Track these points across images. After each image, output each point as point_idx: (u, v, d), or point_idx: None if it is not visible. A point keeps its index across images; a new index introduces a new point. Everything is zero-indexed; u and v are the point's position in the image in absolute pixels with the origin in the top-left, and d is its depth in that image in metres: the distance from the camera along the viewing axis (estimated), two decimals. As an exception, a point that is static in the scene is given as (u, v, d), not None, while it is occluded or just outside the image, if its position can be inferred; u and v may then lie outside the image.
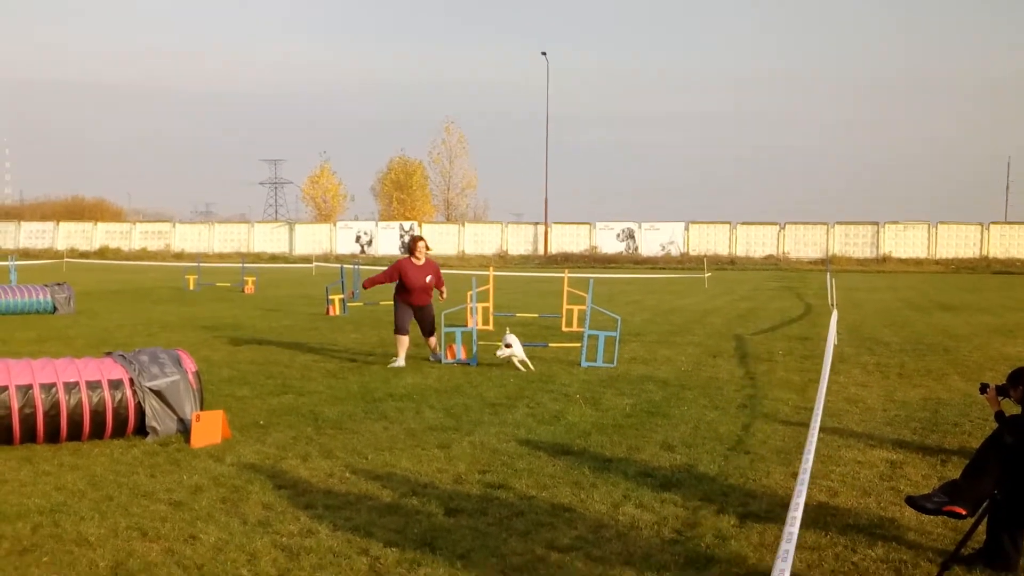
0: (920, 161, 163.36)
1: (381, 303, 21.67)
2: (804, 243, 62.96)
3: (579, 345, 13.34)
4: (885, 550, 5.26)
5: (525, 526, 5.63)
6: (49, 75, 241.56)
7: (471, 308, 14.39)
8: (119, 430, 7.79)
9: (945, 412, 9.47)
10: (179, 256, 66.57)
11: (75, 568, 4.87)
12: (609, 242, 65.65)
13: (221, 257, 65.29)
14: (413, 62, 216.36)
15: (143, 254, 68.95)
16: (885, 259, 60.23)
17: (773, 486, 6.59)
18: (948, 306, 25.15)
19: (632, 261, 62.10)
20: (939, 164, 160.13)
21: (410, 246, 12.76)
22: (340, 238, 70.01)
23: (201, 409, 8.12)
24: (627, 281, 39.72)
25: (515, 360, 11.94)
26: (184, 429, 7.90)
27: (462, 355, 12.77)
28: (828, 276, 27.63)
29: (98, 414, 7.62)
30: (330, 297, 21.41)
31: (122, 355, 8.19)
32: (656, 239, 64.84)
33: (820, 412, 6.75)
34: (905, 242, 61.48)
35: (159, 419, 7.86)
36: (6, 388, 7.33)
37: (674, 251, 64.02)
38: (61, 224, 74.52)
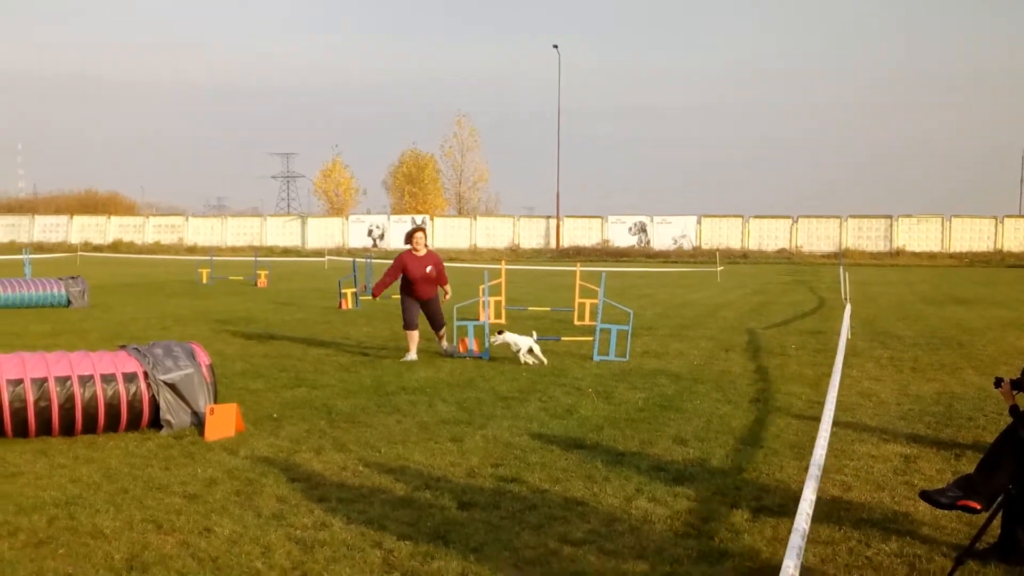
0: (934, 154, 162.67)
1: (393, 296, 21.69)
2: (817, 237, 62.78)
3: (591, 339, 13.34)
4: (899, 544, 5.24)
5: (538, 520, 5.64)
6: (62, 70, 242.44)
7: (483, 302, 14.40)
8: (133, 423, 7.83)
9: (959, 406, 9.44)
10: (192, 250, 66.80)
11: (91, 560, 4.90)
12: (621, 236, 65.58)
13: (234, 251, 65.46)
14: (425, 55, 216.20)
15: (156, 248, 69.22)
16: (899, 252, 60.01)
17: (787, 480, 6.58)
18: (962, 300, 25.04)
19: (644, 255, 62.03)
20: (953, 157, 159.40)
21: (408, 238, 12.69)
22: (352, 231, 70.14)
23: (215, 402, 8.15)
24: (639, 275, 39.68)
25: (524, 356, 11.88)
26: (198, 422, 7.93)
27: (474, 349, 12.78)
28: (841, 270, 27.54)
29: (112, 407, 7.66)
30: (342, 291, 21.46)
31: (136, 348, 8.22)
32: (668, 233, 64.75)
33: (832, 406, 6.74)
34: (919, 235, 61.24)
35: (173, 412, 7.89)
36: (21, 381, 7.38)
37: (686, 245, 63.92)
38: (75, 218, 74.84)
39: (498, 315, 17.43)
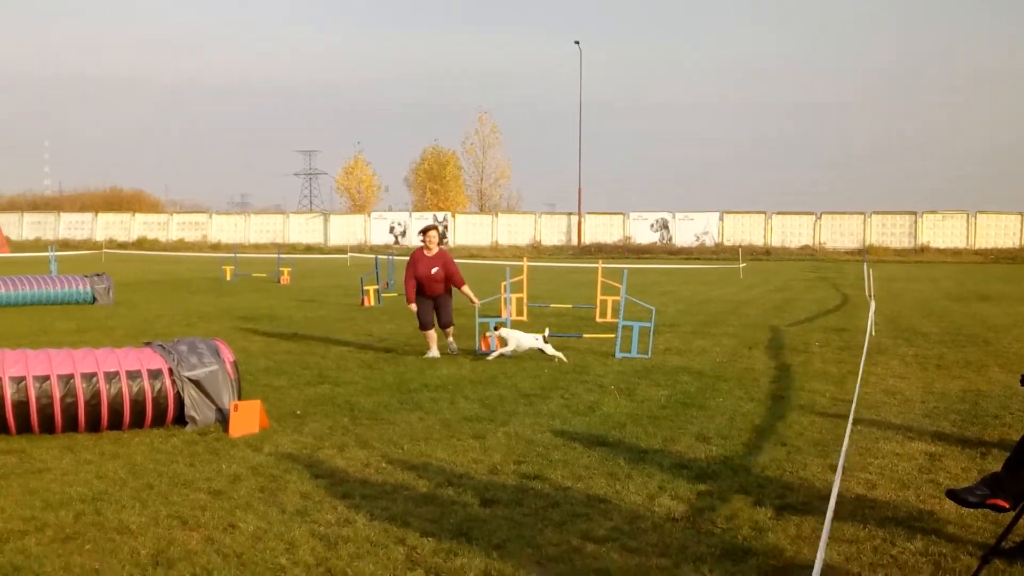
0: (958, 150, 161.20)
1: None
2: (841, 233, 62.37)
3: (613, 336, 13.31)
4: (924, 543, 5.21)
5: (561, 517, 5.64)
6: (87, 69, 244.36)
7: (505, 299, 14.41)
8: (159, 419, 7.89)
9: (985, 404, 9.36)
10: (216, 247, 67.11)
11: (117, 556, 4.94)
12: (643, 232, 65.41)
13: (257, 248, 65.77)
14: (448, 52, 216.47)
15: (180, 245, 69.62)
16: (923, 249, 59.53)
17: (810, 478, 6.55)
18: (987, 296, 24.83)
19: (666, 251, 61.85)
20: (978, 153, 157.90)
21: (421, 236, 12.58)
22: (374, 229, 70.30)
23: (239, 399, 8.20)
24: (661, 272, 39.58)
25: (548, 352, 11.89)
26: (222, 419, 7.98)
27: (496, 346, 12.77)
28: (865, 266, 27.37)
29: (138, 403, 7.72)
30: (365, 288, 21.51)
31: (161, 345, 8.29)
32: (690, 229, 64.52)
33: (855, 404, 6.70)
34: (943, 232, 60.71)
35: (198, 409, 7.95)
36: (48, 378, 7.45)
37: (708, 241, 63.67)
38: (100, 215, 75.42)
39: (520, 312, 17.43)
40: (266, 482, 6.36)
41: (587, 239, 65.65)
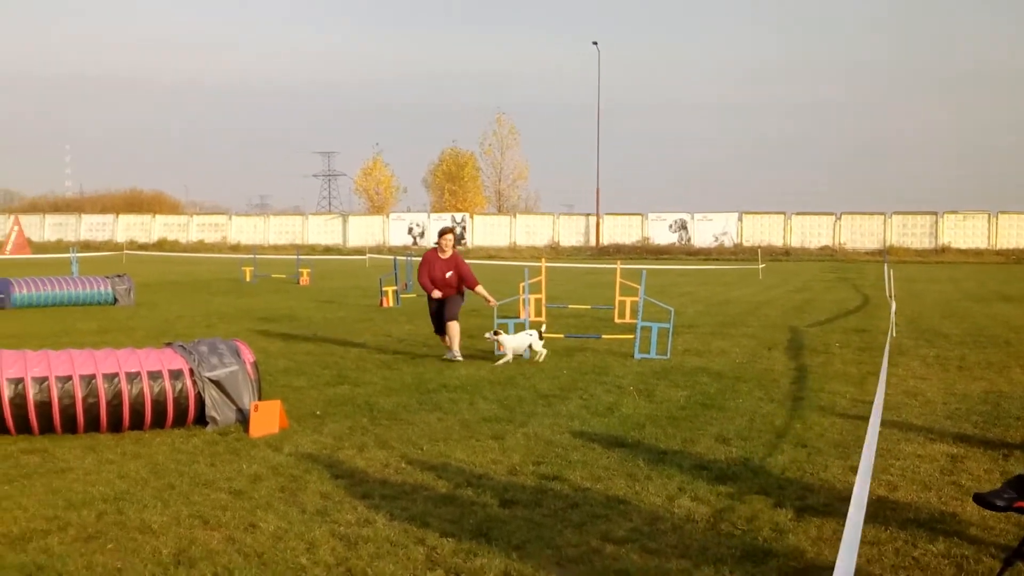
0: (980, 150, 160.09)
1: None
2: (861, 233, 62.01)
3: (632, 337, 13.29)
4: (946, 545, 5.18)
5: (580, 518, 5.64)
6: (108, 72, 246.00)
7: (523, 300, 14.41)
8: (180, 419, 7.93)
9: (1007, 405, 9.29)
10: (235, 248, 67.41)
11: (139, 555, 4.97)
12: (661, 233, 65.27)
13: (276, 249, 66.05)
14: (465, 53, 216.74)
15: (200, 246, 69.96)
16: (944, 250, 59.11)
17: (831, 480, 6.52)
18: (1009, 297, 24.64)
19: (685, 252, 61.68)
20: (999, 153, 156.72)
21: (438, 236, 12.48)
22: (393, 230, 70.45)
23: (259, 399, 8.23)
24: (680, 272, 39.48)
25: (507, 358, 11.83)
26: (243, 419, 8.02)
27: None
28: (886, 267, 27.20)
29: (159, 403, 7.77)
30: (383, 289, 21.56)
31: (182, 346, 8.33)
32: (709, 230, 64.32)
33: (881, 405, 6.66)
34: (965, 232, 60.26)
35: (218, 409, 7.99)
36: (70, 378, 7.50)
37: (727, 242, 63.43)
38: (120, 217, 75.90)
39: (538, 313, 17.42)
40: (286, 482, 6.39)
41: (605, 240, 65.56)
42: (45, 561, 4.86)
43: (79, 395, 7.50)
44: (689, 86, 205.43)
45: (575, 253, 63.06)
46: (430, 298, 12.39)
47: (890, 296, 19.39)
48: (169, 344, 8.58)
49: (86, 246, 64.71)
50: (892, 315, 14.83)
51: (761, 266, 38.67)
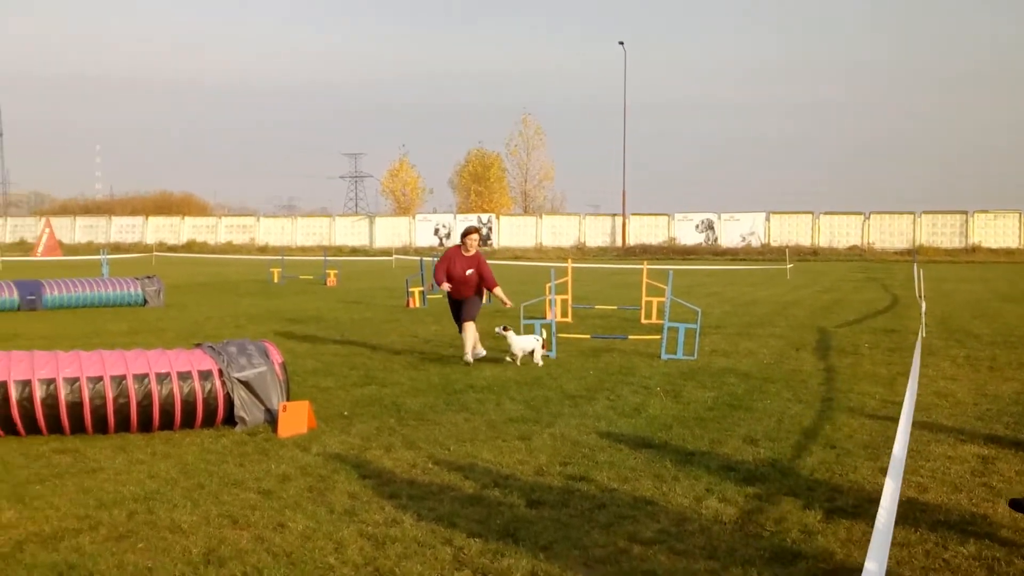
0: (1010, 148, 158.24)
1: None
2: (890, 233, 61.47)
3: (659, 337, 13.26)
4: (977, 547, 5.13)
5: (607, 518, 5.63)
6: (138, 74, 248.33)
7: (550, 300, 14.40)
8: (209, 420, 7.99)
9: (1040, 407, 9.18)
10: (263, 249, 67.89)
11: (169, 554, 5.02)
12: (688, 233, 65.02)
13: (303, 250, 66.41)
14: (491, 53, 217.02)
15: (228, 247, 70.45)
16: (974, 249, 58.46)
17: (860, 481, 6.47)
18: (1042, 297, 24.34)
19: (712, 252, 61.39)
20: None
21: (462, 235, 12.41)
22: (419, 231, 70.64)
23: (288, 400, 8.28)
24: (707, 273, 39.32)
25: (514, 358, 11.77)
26: (271, 419, 8.07)
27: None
28: (915, 267, 26.97)
29: (189, 404, 7.83)
30: (410, 289, 21.62)
31: (211, 346, 8.39)
32: (736, 230, 63.99)
33: (912, 405, 6.61)
34: (995, 232, 59.58)
35: (247, 409, 8.04)
36: (101, 378, 7.58)
37: (755, 242, 63.08)
38: (150, 219, 76.58)
39: (564, 313, 17.42)
40: (314, 482, 6.42)
41: (631, 240, 65.40)
42: (77, 560, 4.91)
43: (110, 395, 7.58)
44: (717, 86, 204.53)
45: (601, 254, 62.95)
46: (451, 300, 12.39)
47: (920, 296, 19.25)
48: (199, 345, 8.65)
49: (116, 248, 65.31)
50: (922, 315, 14.69)
51: (789, 266, 38.44)
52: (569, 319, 17.29)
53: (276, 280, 31.10)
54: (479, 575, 4.76)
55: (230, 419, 8.05)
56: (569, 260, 21.17)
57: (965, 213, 60.54)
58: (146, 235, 74.28)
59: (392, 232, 71.14)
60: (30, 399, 7.44)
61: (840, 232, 62.53)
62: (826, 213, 63.44)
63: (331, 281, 29.98)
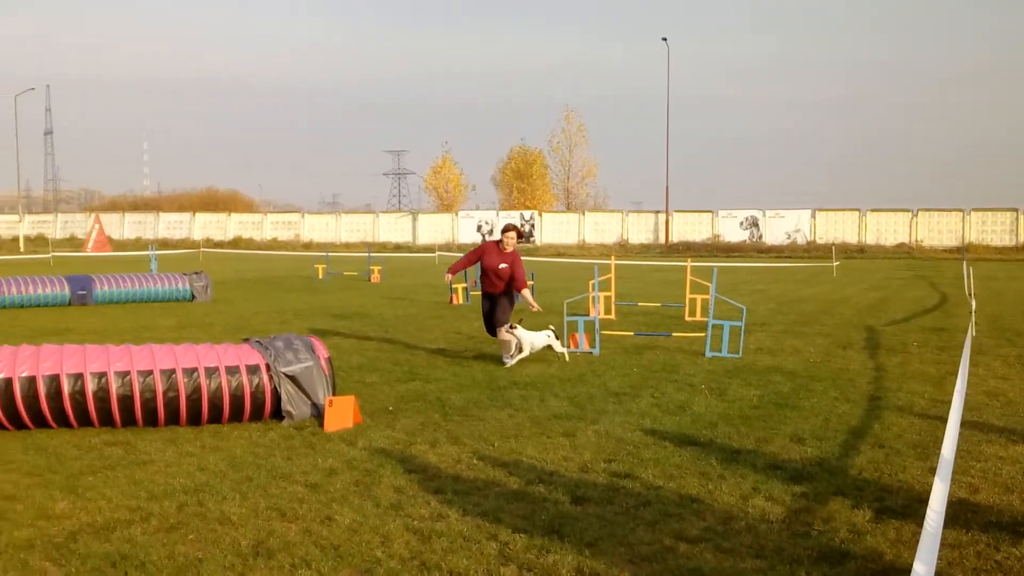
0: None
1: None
2: (938, 231, 60.47)
3: (703, 335, 13.18)
4: (1031, 550, 5.04)
5: (652, 516, 5.62)
6: (183, 75, 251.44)
7: (593, 297, 14.38)
8: (256, 414, 8.08)
9: (1095, 407, 9.00)
10: (308, 246, 68.35)
11: (219, 546, 5.09)
12: (732, 230, 64.43)
13: (347, 247, 66.75)
14: (534, 50, 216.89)
15: (274, 244, 71.04)
16: (1026, 247, 57.34)
17: (910, 481, 6.39)
18: (1096, 296, 23.84)
19: (756, 250, 60.79)
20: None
21: (502, 232, 12.25)
22: (462, 227, 70.73)
23: (333, 394, 8.35)
24: (751, 270, 38.99)
25: (519, 355, 11.57)
26: (317, 414, 8.14)
27: (585, 345, 12.75)
28: (964, 265, 26.55)
29: (237, 398, 7.92)
30: (453, 286, 21.67)
31: (259, 341, 8.49)
32: (781, 227, 63.30)
33: (961, 405, 6.51)
34: (1048, 229, 58.36)
35: (294, 403, 8.12)
36: (151, 372, 7.70)
37: (800, 239, 62.39)
38: (197, 215, 77.40)
39: (608, 310, 17.38)
40: (361, 476, 6.47)
41: (675, 237, 64.98)
42: (129, 550, 4.99)
43: (160, 389, 7.69)
44: (762, 83, 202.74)
45: (644, 251, 62.64)
46: (484, 298, 12.32)
47: (970, 294, 18.95)
48: (246, 340, 8.76)
49: (164, 244, 66.21)
50: (972, 313, 14.46)
51: (835, 264, 38.00)
52: (612, 316, 17.24)
53: (321, 276, 31.33)
54: (525, 570, 4.77)
55: (277, 413, 8.13)
56: (612, 257, 21.10)
57: (1016, 210, 59.36)
58: (193, 231, 75.12)
59: (435, 229, 71.31)
60: (82, 392, 7.58)
61: (887, 229, 61.64)
62: (873, 210, 62.60)
63: (375, 277, 30.14)
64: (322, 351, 8.52)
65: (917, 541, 4.84)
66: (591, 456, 7.06)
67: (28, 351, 7.77)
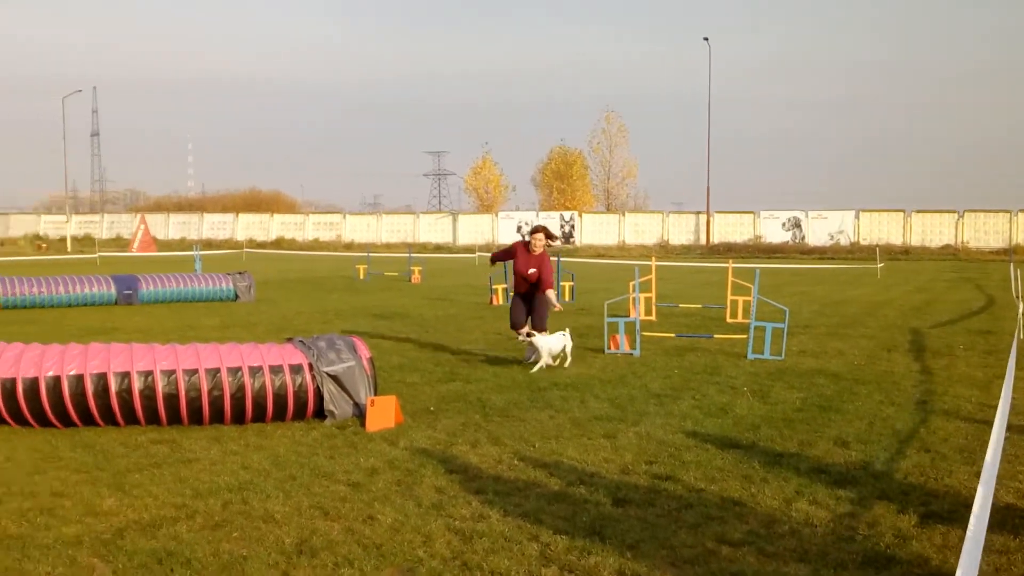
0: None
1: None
2: (985, 232, 59.50)
3: (745, 337, 13.09)
4: (1082, 557, 4.95)
5: (694, 519, 5.59)
6: (225, 76, 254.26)
7: (634, 298, 14.33)
8: (299, 413, 8.16)
9: None
10: (349, 246, 68.76)
11: (263, 544, 5.14)
12: (774, 231, 63.89)
13: (388, 247, 67.09)
14: (576, 49, 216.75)
15: (316, 244, 71.58)
16: (1076, 249, 56.26)
17: (956, 486, 6.30)
18: None
19: (799, 251, 60.22)
20: None
21: (530, 232, 12.15)
22: (501, 228, 70.78)
23: (375, 394, 8.40)
24: (793, 271, 38.65)
25: (545, 361, 11.30)
26: (359, 413, 8.19)
27: (625, 346, 12.72)
28: (1012, 267, 26.12)
29: (280, 397, 8.00)
30: (493, 287, 21.71)
31: (302, 341, 8.56)
32: (824, 228, 62.65)
33: (1007, 409, 6.42)
34: (1099, 230, 57.22)
35: (336, 403, 8.18)
36: (196, 371, 7.80)
37: (843, 240, 61.71)
38: (240, 216, 78.22)
39: (648, 312, 17.31)
40: (402, 476, 6.51)
41: (716, 239, 64.56)
42: (174, 547, 5.06)
43: (205, 388, 7.79)
44: (803, 82, 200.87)
45: (685, 252, 62.31)
46: (517, 294, 12.20)
47: (1017, 297, 18.63)
48: (290, 339, 8.84)
49: (208, 244, 66.93)
50: (1020, 316, 14.22)
51: (880, 265, 37.56)
52: (653, 317, 17.17)
53: (362, 276, 31.52)
54: (566, 572, 4.77)
55: (320, 412, 8.20)
56: (653, 258, 21.03)
57: (1066, 211, 58.31)
58: (236, 232, 75.92)
59: (475, 229, 71.45)
60: (129, 390, 7.69)
61: (932, 231, 60.78)
62: (918, 211, 61.76)
63: (415, 278, 30.27)
64: (364, 351, 8.57)
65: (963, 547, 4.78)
66: (632, 458, 7.04)
67: (76, 350, 7.90)
